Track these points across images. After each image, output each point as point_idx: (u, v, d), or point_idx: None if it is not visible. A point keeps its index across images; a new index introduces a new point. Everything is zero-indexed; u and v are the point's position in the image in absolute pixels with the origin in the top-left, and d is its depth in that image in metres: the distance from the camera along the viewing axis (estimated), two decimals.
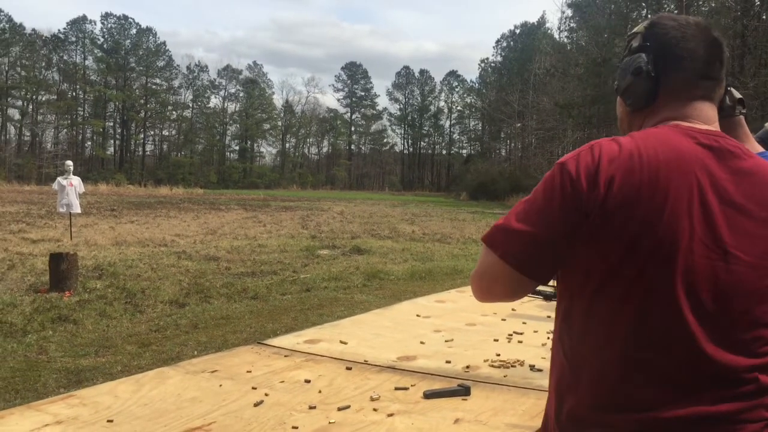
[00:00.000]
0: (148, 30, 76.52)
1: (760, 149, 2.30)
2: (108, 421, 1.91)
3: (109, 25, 74.84)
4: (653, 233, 1.20)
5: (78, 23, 73.24)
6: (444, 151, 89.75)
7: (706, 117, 1.36)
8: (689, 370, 1.21)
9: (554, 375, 1.36)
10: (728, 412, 1.21)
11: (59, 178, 15.50)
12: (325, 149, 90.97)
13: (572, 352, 1.29)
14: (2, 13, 67.93)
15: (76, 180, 15.54)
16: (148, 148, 78.93)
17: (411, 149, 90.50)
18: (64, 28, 73.21)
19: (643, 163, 1.22)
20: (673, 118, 1.35)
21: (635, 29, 1.45)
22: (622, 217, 1.20)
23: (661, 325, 1.21)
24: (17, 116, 70.26)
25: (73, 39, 73.11)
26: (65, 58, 72.76)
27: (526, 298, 4.03)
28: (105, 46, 74.07)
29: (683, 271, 1.21)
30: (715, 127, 1.36)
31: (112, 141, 76.60)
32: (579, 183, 1.22)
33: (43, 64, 70.75)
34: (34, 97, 70.05)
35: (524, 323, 3.29)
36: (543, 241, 1.26)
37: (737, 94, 2.31)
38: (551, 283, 3.71)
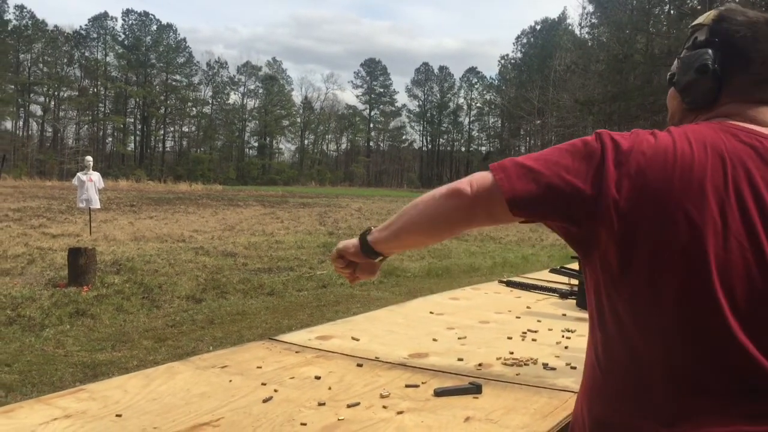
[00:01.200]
0: (169, 26, 77.25)
1: None
2: (116, 415, 1.91)
3: (130, 22, 75.53)
4: (684, 232, 1.13)
5: (99, 20, 73.97)
6: (463, 148, 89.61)
7: (763, 121, 1.27)
8: (731, 380, 1.13)
9: (585, 377, 1.31)
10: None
11: (79, 174, 15.63)
12: (343, 146, 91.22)
13: (604, 356, 1.23)
14: (25, 10, 68.78)
15: (95, 176, 15.66)
16: (168, 144, 79.67)
17: (430, 146, 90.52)
18: (86, 25, 74.10)
19: (677, 159, 1.16)
20: (725, 116, 1.28)
21: (700, 20, 1.35)
22: (648, 212, 1.14)
23: (700, 330, 1.14)
24: (39, 112, 71.16)
25: (95, 35, 73.90)
26: (87, 54, 73.57)
27: (541, 296, 4.00)
28: (126, 42, 74.72)
29: (719, 272, 1.13)
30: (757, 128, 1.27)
31: (132, 137, 77.33)
32: (608, 154, 1.18)
33: (65, 60, 71.56)
34: (56, 93, 70.84)
35: (539, 321, 3.25)
36: (550, 187, 1.20)
37: None
38: (569, 281, 3.65)
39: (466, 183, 1.31)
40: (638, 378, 1.17)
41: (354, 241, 1.59)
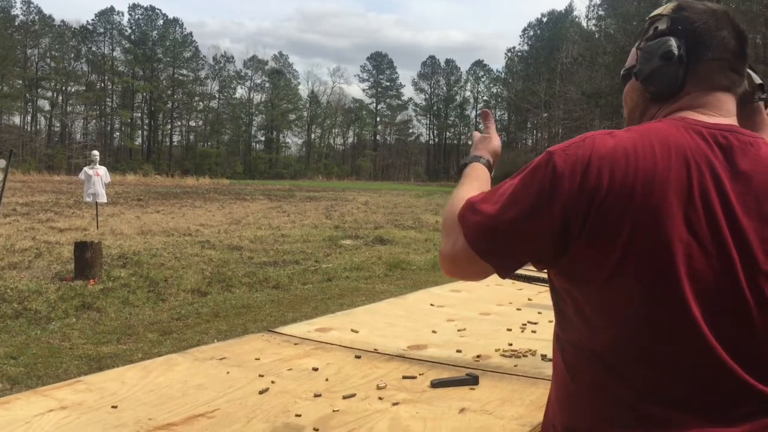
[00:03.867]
0: (175, 21, 77.23)
1: None
2: (112, 406, 1.91)
3: (137, 17, 75.56)
4: (650, 239, 1.11)
5: (106, 14, 74.03)
6: (470, 142, 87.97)
7: (726, 110, 1.27)
8: (702, 386, 1.13)
9: (555, 383, 1.30)
10: None
11: (86, 168, 15.68)
12: (350, 139, 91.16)
13: (573, 362, 1.22)
14: (32, 5, 68.95)
15: (102, 170, 15.71)
16: (175, 138, 79.78)
17: (436, 140, 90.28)
18: (93, 20, 74.13)
19: (639, 162, 1.13)
20: (689, 108, 1.26)
21: (659, 11, 1.34)
22: (612, 219, 1.12)
23: (671, 337, 1.13)
24: (47, 107, 71.34)
25: (101, 30, 73.94)
26: (93, 49, 73.64)
27: (543, 288, 3.98)
28: (132, 37, 74.78)
29: (689, 280, 1.12)
30: (732, 121, 1.26)
31: (139, 131, 77.48)
32: (563, 179, 1.14)
33: (72, 55, 71.70)
34: (63, 88, 71.03)
35: (539, 313, 3.25)
36: (510, 229, 1.19)
37: (757, 79, 2.24)
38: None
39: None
40: (606, 384, 1.16)
41: (478, 145, 1.70)
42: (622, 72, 1.43)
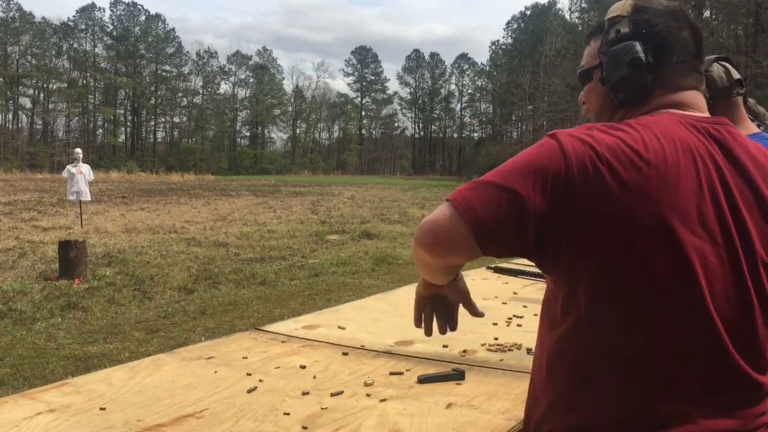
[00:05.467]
0: (157, 16, 76.74)
1: (755, 129, 2.27)
2: (101, 408, 1.91)
3: (118, 12, 74.98)
4: (668, 236, 1.11)
5: (87, 11, 73.41)
6: (455, 135, 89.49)
7: (701, 107, 1.28)
8: (714, 381, 1.15)
9: (553, 388, 1.25)
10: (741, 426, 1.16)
11: (69, 166, 15.57)
12: (335, 134, 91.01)
13: (583, 362, 1.19)
14: (12, 2, 68.19)
15: (85, 168, 15.60)
16: (159, 135, 79.28)
17: (422, 133, 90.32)
18: (74, 16, 73.51)
19: (650, 156, 1.13)
20: (663, 107, 1.26)
21: (616, 11, 1.31)
22: (627, 216, 1.10)
23: (685, 331, 1.14)
24: (29, 105, 70.68)
25: (83, 27, 73.31)
26: (75, 46, 73.02)
27: (528, 282, 4.01)
28: (114, 33, 74.21)
29: (704, 275, 1.13)
30: (707, 116, 1.28)
31: (123, 128, 76.94)
32: (571, 168, 1.11)
33: (54, 52, 71.05)
34: (45, 85, 70.35)
35: (525, 306, 3.27)
36: (517, 206, 1.12)
37: (736, 75, 2.27)
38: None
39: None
40: (623, 383, 1.16)
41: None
42: (579, 71, 1.41)
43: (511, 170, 1.16)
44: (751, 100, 2.40)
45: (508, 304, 3.36)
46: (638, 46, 1.25)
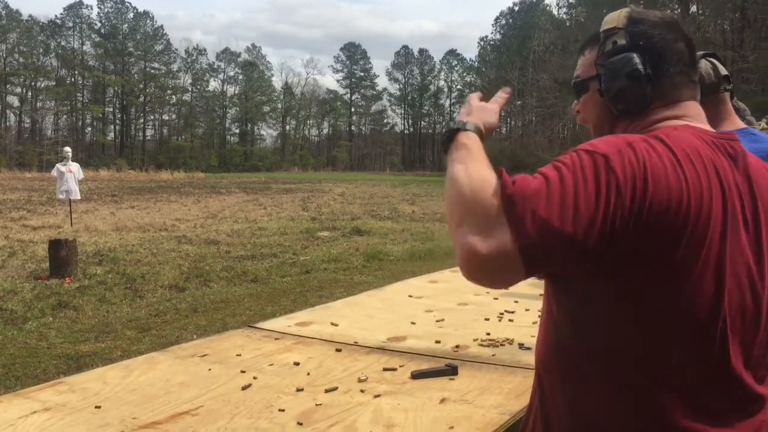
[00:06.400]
0: (146, 14, 76.23)
1: (742, 125, 2.29)
2: (96, 407, 1.93)
3: (106, 10, 74.53)
4: (705, 256, 1.12)
5: (75, 8, 72.89)
6: (444, 131, 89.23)
7: (701, 117, 1.29)
8: (721, 395, 1.18)
9: (565, 398, 1.24)
10: None
11: (58, 165, 15.50)
12: (325, 131, 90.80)
13: (608, 370, 1.18)
14: None
15: (75, 166, 15.54)
16: (149, 132, 78.93)
17: (411, 129, 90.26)
18: (61, 14, 72.95)
19: (685, 171, 1.13)
20: (665, 119, 1.27)
21: (611, 24, 1.31)
22: (669, 231, 1.10)
23: (703, 349, 1.16)
24: (16, 103, 70.20)
25: (70, 24, 72.80)
26: (63, 43, 72.51)
27: None
28: (102, 30, 73.75)
29: (728, 295, 1.15)
30: (708, 126, 1.30)
31: (112, 126, 76.51)
32: (625, 189, 1.09)
33: (41, 50, 70.54)
34: (32, 83, 69.87)
35: (516, 302, 3.29)
36: (571, 246, 1.08)
37: (723, 71, 2.30)
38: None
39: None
40: (646, 392, 1.16)
41: (470, 108, 1.45)
42: (574, 82, 1.41)
43: (565, 200, 1.09)
44: None
45: (500, 300, 3.38)
46: (636, 58, 1.26)
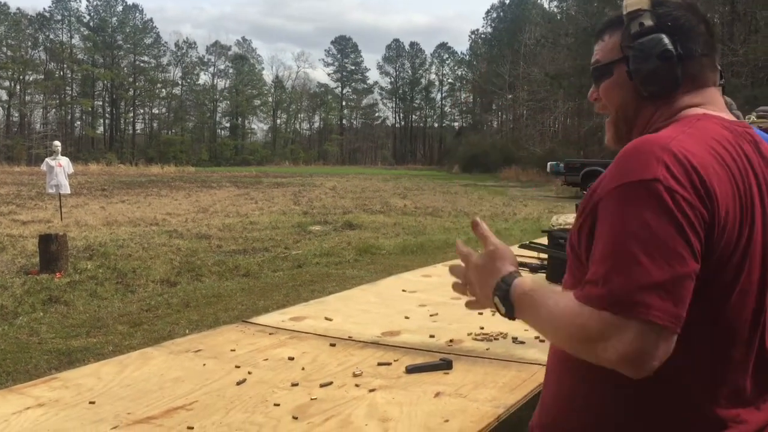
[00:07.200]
0: (135, 7, 75.74)
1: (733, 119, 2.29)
2: (90, 402, 1.92)
3: (95, 3, 73.99)
4: (744, 244, 1.13)
5: (63, 1, 72.31)
6: (436, 124, 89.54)
7: (720, 105, 1.29)
8: (757, 381, 1.20)
9: (599, 409, 1.20)
10: None
11: (47, 159, 15.41)
12: (316, 124, 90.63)
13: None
14: None
15: (64, 160, 15.45)
16: (138, 126, 78.50)
17: (402, 123, 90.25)
18: (50, 7, 72.29)
19: (725, 166, 1.13)
20: (691, 105, 1.26)
21: (635, 5, 1.28)
22: (727, 229, 1.10)
23: (746, 338, 1.17)
24: (5, 97, 69.64)
25: (59, 17, 72.25)
26: (51, 37, 71.97)
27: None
28: (91, 24, 73.25)
29: (765, 281, 1.16)
30: (726, 114, 1.29)
31: (101, 120, 76.06)
32: (691, 198, 1.06)
33: (29, 43, 69.99)
34: (21, 77, 69.34)
35: None
36: (690, 280, 1.04)
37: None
38: (538, 255, 3.68)
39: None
40: (692, 389, 1.16)
41: (493, 267, 1.30)
42: (594, 67, 1.37)
43: (654, 248, 1.05)
44: None
45: None
46: (666, 38, 1.24)
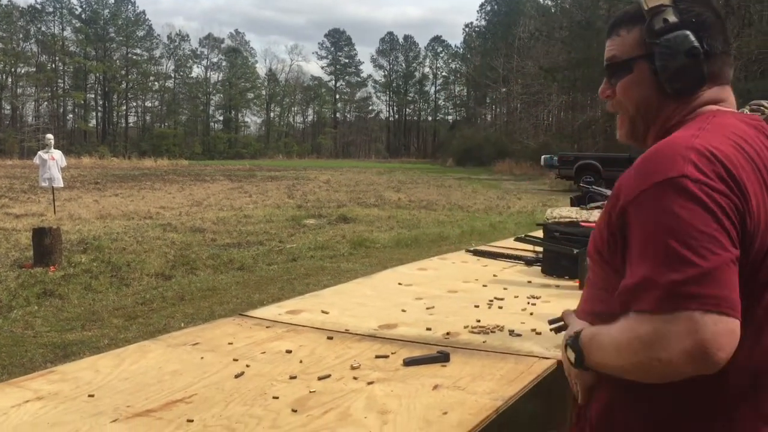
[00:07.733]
0: None
1: None
2: (89, 395, 1.92)
3: None
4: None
5: None
6: (429, 118, 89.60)
7: (733, 101, 1.29)
8: None
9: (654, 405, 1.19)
10: None
11: (40, 152, 15.36)
12: (310, 118, 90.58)
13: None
14: None
15: (57, 154, 15.40)
16: (131, 119, 78.31)
17: (396, 116, 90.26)
18: None
19: (749, 158, 1.13)
20: (711, 103, 1.26)
21: (657, 0, 1.25)
22: (761, 219, 1.10)
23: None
24: None
25: (51, 10, 71.86)
26: (43, 29, 71.61)
27: (507, 264, 4.06)
28: (83, 16, 72.90)
29: None
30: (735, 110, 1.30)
31: (94, 113, 75.81)
32: (720, 188, 1.07)
33: (21, 36, 69.59)
34: (12, 69, 68.98)
35: (505, 289, 3.32)
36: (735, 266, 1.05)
37: None
38: (533, 248, 3.69)
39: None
40: (749, 392, 1.17)
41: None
42: (610, 62, 1.35)
43: (694, 242, 1.05)
44: None
45: (489, 287, 3.40)
46: (692, 35, 1.23)
